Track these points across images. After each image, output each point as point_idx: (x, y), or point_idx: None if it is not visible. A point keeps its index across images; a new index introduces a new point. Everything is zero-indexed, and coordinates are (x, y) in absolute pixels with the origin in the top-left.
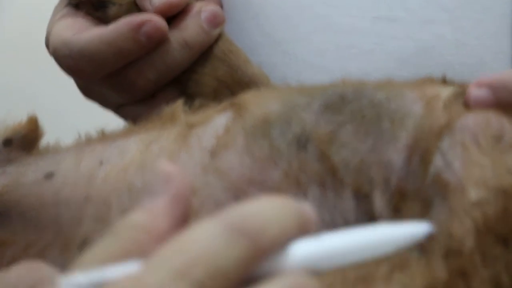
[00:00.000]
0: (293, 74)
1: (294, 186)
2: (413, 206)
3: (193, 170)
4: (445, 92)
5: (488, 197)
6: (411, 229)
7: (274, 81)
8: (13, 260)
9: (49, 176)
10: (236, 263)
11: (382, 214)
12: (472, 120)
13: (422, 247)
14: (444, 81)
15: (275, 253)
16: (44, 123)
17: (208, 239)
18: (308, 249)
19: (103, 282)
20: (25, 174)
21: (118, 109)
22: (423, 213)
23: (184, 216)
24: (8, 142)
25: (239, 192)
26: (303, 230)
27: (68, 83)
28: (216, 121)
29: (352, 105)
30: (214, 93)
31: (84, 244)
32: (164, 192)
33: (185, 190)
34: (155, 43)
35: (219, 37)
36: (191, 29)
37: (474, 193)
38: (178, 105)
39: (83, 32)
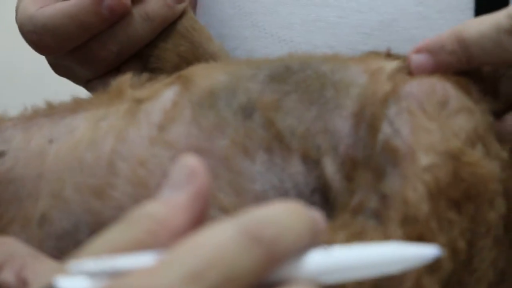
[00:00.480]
0: (261, 47)
1: (242, 152)
2: (364, 174)
3: (140, 143)
4: (389, 65)
5: (437, 161)
6: (420, 251)
7: (243, 54)
8: None
9: (1, 154)
10: (250, 270)
11: (333, 179)
12: (416, 87)
13: (378, 214)
14: (389, 55)
15: (288, 261)
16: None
17: (224, 243)
18: (319, 260)
19: (114, 271)
20: None
21: (86, 84)
22: (376, 181)
23: (202, 214)
24: None
25: None
26: (316, 239)
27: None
28: (164, 96)
29: (297, 75)
30: (175, 69)
31: (43, 219)
32: (187, 186)
33: (208, 187)
34: (117, 17)
35: (183, 14)
36: (153, 2)
37: (424, 158)
38: (125, 80)
39: (47, 6)
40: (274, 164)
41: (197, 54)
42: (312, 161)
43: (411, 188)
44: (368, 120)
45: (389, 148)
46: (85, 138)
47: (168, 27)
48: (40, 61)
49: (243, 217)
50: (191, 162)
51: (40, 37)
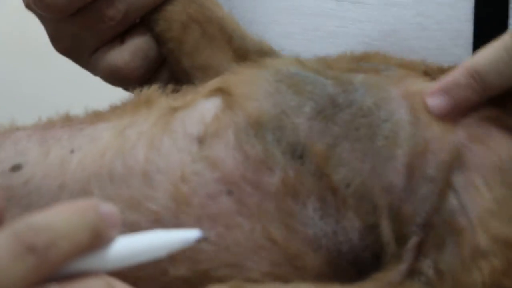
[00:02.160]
0: None
1: (292, 196)
2: (423, 238)
3: (179, 156)
4: (426, 88)
5: (495, 249)
6: (184, 235)
7: None
8: None
9: (16, 168)
10: (21, 278)
11: (389, 242)
12: (478, 153)
13: (432, 285)
14: (426, 73)
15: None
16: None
17: None
18: (108, 251)
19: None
20: None
21: (90, 56)
22: (434, 250)
23: None
24: None
25: (233, 186)
26: (99, 239)
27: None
28: (202, 106)
29: (344, 113)
30: (182, 28)
31: None
32: None
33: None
34: None
35: None
36: None
37: (484, 243)
38: (154, 88)
39: None
40: (327, 214)
41: (206, 16)
42: (369, 223)
43: (467, 271)
44: (426, 177)
45: (453, 223)
46: (112, 146)
47: None
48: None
49: (17, 224)
50: None
51: None
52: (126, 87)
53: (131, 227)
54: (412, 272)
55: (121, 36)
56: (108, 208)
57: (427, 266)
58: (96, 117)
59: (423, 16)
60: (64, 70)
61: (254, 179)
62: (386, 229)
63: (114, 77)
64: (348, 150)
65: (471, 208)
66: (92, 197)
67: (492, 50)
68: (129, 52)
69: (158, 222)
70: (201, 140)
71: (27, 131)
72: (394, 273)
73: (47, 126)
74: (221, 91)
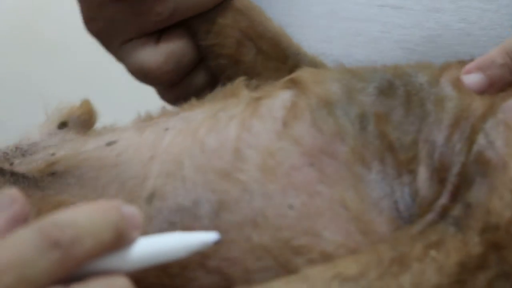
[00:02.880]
0: None
1: (360, 160)
2: (454, 182)
3: (268, 135)
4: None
5: None
6: (202, 237)
7: None
8: None
9: (111, 143)
10: (45, 272)
11: (423, 186)
12: None
13: (459, 222)
14: (463, 64)
15: (95, 258)
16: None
17: (21, 247)
18: (127, 252)
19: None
20: (85, 145)
21: (121, 45)
22: (463, 190)
23: None
24: (63, 124)
25: (314, 158)
26: (121, 239)
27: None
28: (281, 95)
29: (400, 90)
30: (237, 45)
31: (152, 196)
32: (7, 210)
33: (25, 213)
34: None
35: None
36: None
37: None
38: (239, 82)
39: None
40: (387, 174)
41: (258, 31)
42: (410, 169)
43: (497, 197)
44: (465, 132)
45: (481, 158)
46: (205, 125)
47: (225, 3)
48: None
49: (44, 220)
50: (12, 191)
51: None
52: (151, 85)
53: (221, 194)
54: (441, 216)
55: (158, 34)
56: (131, 210)
57: (455, 206)
58: (190, 105)
59: (467, 22)
60: (69, 65)
61: (330, 149)
62: (422, 174)
63: (143, 75)
64: (402, 115)
65: (499, 143)
66: (183, 167)
67: None
68: (163, 55)
69: (246, 190)
70: (284, 122)
71: (128, 124)
72: (417, 225)
73: (147, 119)
74: (294, 82)
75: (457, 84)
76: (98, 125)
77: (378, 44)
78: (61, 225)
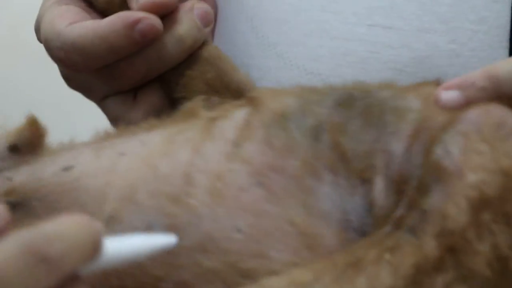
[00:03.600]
0: (287, 79)
1: (311, 172)
2: (410, 193)
3: (218, 158)
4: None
5: (486, 178)
6: (161, 240)
7: (268, 85)
8: None
9: (68, 169)
10: (35, 287)
11: (379, 197)
12: (473, 112)
13: (415, 229)
14: (438, 84)
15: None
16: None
17: (7, 262)
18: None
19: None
20: (42, 170)
21: (101, 100)
22: (419, 198)
23: None
24: (14, 148)
25: (262, 177)
26: (98, 251)
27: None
28: (236, 115)
29: (360, 102)
30: (204, 101)
31: (111, 219)
32: None
33: (6, 227)
34: (149, 41)
35: (206, 42)
36: (185, 23)
37: (472, 176)
38: (198, 101)
39: (76, 23)
40: (338, 185)
41: (224, 82)
42: (365, 178)
43: (453, 203)
44: (424, 143)
45: (437, 167)
46: (159, 150)
47: (194, 54)
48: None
49: (28, 233)
50: None
51: (68, 55)
52: None
53: (171, 218)
54: (397, 226)
55: (134, 91)
56: (97, 223)
57: (411, 215)
58: (151, 125)
59: (457, 43)
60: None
61: (279, 165)
62: (378, 184)
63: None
64: (359, 125)
65: (456, 151)
66: (137, 192)
67: None
68: (141, 111)
69: (195, 214)
70: (235, 143)
71: (86, 142)
72: (374, 235)
73: (105, 137)
74: (249, 101)
75: (425, 98)
76: (59, 132)
77: (366, 64)
78: (48, 239)
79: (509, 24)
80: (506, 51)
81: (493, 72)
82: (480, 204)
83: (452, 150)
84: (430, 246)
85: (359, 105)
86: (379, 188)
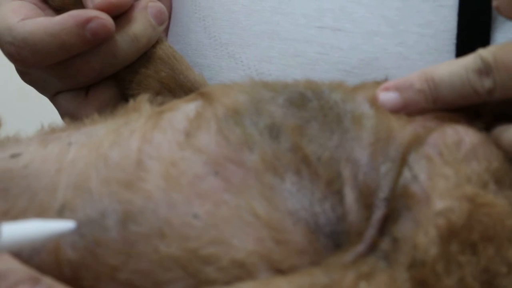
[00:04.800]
0: (238, 78)
1: (271, 170)
2: (380, 213)
3: (169, 146)
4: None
5: (452, 205)
6: (60, 225)
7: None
8: None
9: (15, 156)
10: None
11: (351, 209)
12: (433, 135)
13: (388, 257)
14: (378, 84)
15: None
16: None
17: None
18: None
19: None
20: None
21: (54, 96)
22: (390, 223)
23: None
24: None
25: (218, 167)
26: None
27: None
28: (185, 108)
29: (313, 103)
30: (156, 96)
31: (63, 208)
32: None
33: None
34: (100, 40)
35: (160, 41)
36: (139, 22)
37: (439, 203)
38: (142, 98)
39: (29, 18)
40: (303, 186)
41: (178, 81)
42: (335, 191)
43: (422, 232)
44: (388, 155)
45: (406, 192)
46: (107, 139)
47: (148, 52)
48: None
49: None
50: None
51: (19, 50)
52: None
53: (126, 204)
54: (370, 247)
55: (86, 87)
56: None
57: (383, 240)
58: (93, 120)
59: (404, 46)
60: None
61: (236, 158)
62: (348, 195)
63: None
64: (317, 129)
65: (422, 176)
66: (90, 180)
67: (454, 65)
68: (93, 107)
69: (150, 199)
70: (187, 133)
71: (31, 136)
72: (349, 254)
73: (50, 132)
74: (200, 95)
75: (374, 102)
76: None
77: (315, 66)
78: None
79: (455, 29)
80: (452, 55)
81: (430, 74)
82: (448, 234)
83: (418, 174)
84: (403, 279)
85: (312, 106)
86: (350, 201)
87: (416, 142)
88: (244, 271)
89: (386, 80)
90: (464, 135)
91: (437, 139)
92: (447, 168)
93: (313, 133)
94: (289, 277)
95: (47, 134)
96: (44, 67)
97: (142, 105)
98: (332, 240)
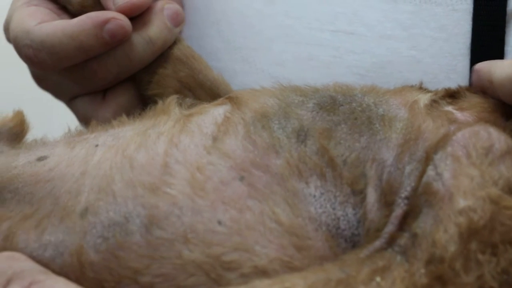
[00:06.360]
0: (252, 82)
1: (296, 174)
2: (401, 210)
3: (196, 150)
4: (424, 98)
5: (474, 204)
6: None
7: (234, 88)
8: (10, 233)
9: (42, 159)
10: None
11: (372, 209)
12: (463, 134)
13: (406, 252)
14: (421, 88)
15: None
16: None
17: None
18: None
19: None
20: (16, 159)
21: (70, 100)
22: (411, 219)
23: None
24: None
25: (244, 172)
26: None
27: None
28: (214, 112)
29: (344, 107)
30: (176, 95)
31: (86, 211)
32: None
33: None
34: (117, 42)
35: (178, 41)
36: (155, 25)
37: (461, 201)
38: (172, 100)
39: (46, 22)
40: (327, 190)
41: (197, 81)
42: (358, 189)
43: (442, 229)
44: (415, 155)
45: (428, 189)
46: (134, 142)
47: (165, 53)
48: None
49: None
50: None
51: (37, 53)
52: None
53: (150, 209)
54: (388, 243)
55: (103, 90)
56: None
57: (402, 235)
58: (120, 122)
59: (417, 50)
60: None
61: (262, 163)
62: (371, 195)
63: None
64: (346, 132)
65: (447, 175)
66: (114, 182)
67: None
68: (111, 110)
69: (175, 205)
70: (214, 137)
71: (58, 139)
72: (366, 249)
73: (77, 134)
74: (229, 99)
75: (409, 106)
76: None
77: (329, 69)
78: None
79: (469, 32)
80: (466, 59)
81: (490, 75)
82: (469, 233)
83: (443, 173)
84: (420, 273)
85: (343, 110)
86: (372, 200)
87: (444, 141)
88: (265, 278)
89: (421, 84)
90: (496, 140)
91: (467, 140)
92: (473, 169)
93: (341, 136)
94: (304, 273)
95: (74, 136)
96: (61, 70)
97: (171, 107)
98: (352, 244)
